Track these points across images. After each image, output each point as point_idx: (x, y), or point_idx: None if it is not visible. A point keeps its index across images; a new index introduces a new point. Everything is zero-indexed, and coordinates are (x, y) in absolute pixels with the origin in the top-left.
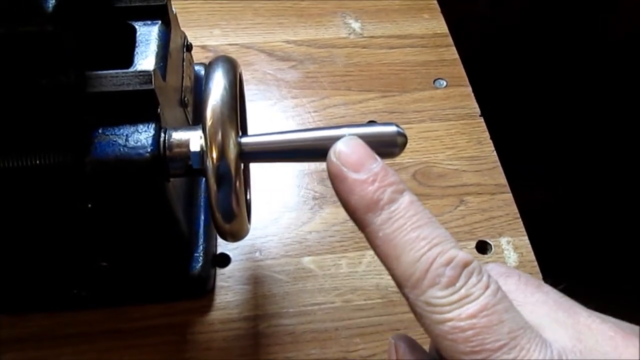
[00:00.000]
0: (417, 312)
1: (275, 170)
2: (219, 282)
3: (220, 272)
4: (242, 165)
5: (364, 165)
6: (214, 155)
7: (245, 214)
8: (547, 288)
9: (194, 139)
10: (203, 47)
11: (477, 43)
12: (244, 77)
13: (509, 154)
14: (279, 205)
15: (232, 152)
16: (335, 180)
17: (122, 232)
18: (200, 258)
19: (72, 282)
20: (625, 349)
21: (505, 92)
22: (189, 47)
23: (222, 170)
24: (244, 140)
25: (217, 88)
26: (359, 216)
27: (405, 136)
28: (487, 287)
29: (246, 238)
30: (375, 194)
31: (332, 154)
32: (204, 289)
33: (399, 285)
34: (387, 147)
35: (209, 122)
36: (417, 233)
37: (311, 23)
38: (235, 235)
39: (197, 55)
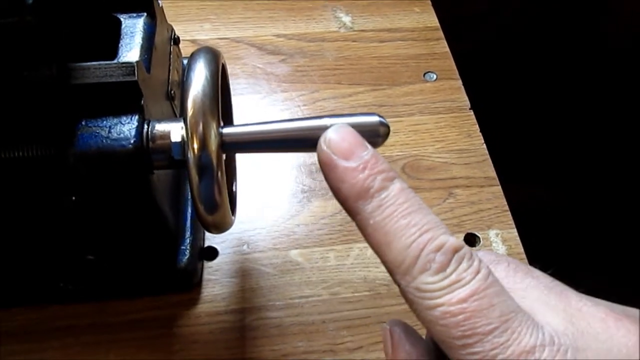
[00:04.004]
0: (408, 298)
1: (263, 163)
2: (207, 275)
3: (207, 265)
4: (223, 155)
5: (354, 153)
6: (195, 145)
7: (228, 205)
8: (538, 273)
9: (175, 130)
10: (193, 41)
11: (469, 36)
12: (234, 71)
13: (499, 147)
14: (268, 199)
15: (213, 143)
16: (326, 169)
17: (107, 225)
18: (187, 251)
19: (58, 275)
20: (617, 331)
21: (496, 86)
22: (176, 40)
23: (204, 161)
24: (225, 130)
25: (199, 79)
26: (349, 204)
27: (387, 126)
28: (477, 272)
29: (234, 231)
30: (366, 181)
31: (322, 142)
32: (191, 282)
33: (391, 272)
34: (369, 137)
35: (189, 113)
36: (408, 220)
37: (301, 17)
38: (219, 227)
39: (187, 50)
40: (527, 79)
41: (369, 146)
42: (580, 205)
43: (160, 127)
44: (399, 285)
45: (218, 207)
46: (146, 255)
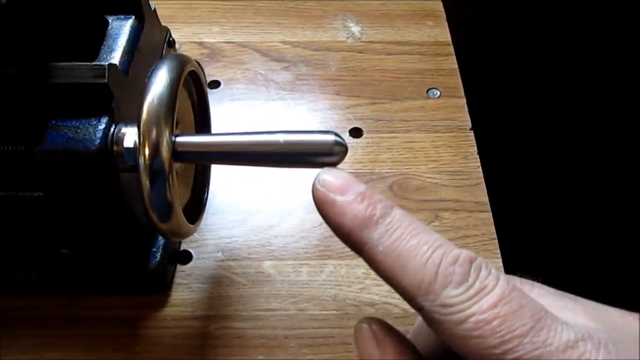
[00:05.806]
0: (434, 319)
1: (246, 172)
2: (178, 279)
3: (180, 268)
4: (177, 164)
5: (350, 187)
6: (146, 152)
7: (181, 213)
8: (540, 285)
9: (130, 135)
10: (200, 43)
11: (476, 51)
12: (235, 76)
13: (498, 171)
14: (249, 207)
15: (164, 150)
16: (324, 206)
17: (78, 222)
18: (158, 254)
19: (32, 267)
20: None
21: (502, 108)
22: (170, 43)
23: (155, 168)
24: (178, 139)
25: (157, 86)
26: (355, 236)
27: (344, 145)
28: (498, 278)
29: (211, 237)
30: (367, 210)
31: (316, 183)
32: (160, 284)
33: (410, 296)
34: (324, 156)
35: (143, 119)
36: (417, 240)
37: (310, 25)
38: (175, 234)
39: (193, 52)
40: (532, 96)
41: (362, 183)
42: (574, 236)
43: (126, 130)
44: (420, 310)
45: (170, 215)
46: (118, 255)
